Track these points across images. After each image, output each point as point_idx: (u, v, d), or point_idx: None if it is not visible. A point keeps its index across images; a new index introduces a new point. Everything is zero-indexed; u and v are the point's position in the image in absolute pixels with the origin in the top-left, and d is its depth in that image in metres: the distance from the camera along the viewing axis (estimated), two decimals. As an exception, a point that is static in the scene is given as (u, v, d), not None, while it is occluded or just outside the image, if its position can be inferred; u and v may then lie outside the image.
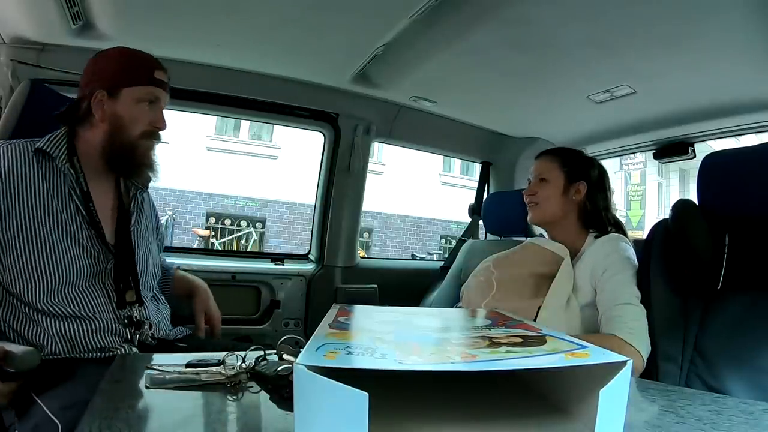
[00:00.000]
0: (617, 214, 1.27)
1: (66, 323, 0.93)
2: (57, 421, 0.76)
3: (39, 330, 0.91)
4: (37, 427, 0.77)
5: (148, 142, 1.02)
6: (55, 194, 0.94)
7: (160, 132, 1.04)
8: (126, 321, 0.99)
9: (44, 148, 0.95)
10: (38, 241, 0.91)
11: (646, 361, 1.00)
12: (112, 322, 0.97)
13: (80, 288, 0.95)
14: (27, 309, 0.92)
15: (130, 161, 1.01)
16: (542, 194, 1.22)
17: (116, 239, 1.01)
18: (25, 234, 0.91)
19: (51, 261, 0.92)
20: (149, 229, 1.15)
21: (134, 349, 0.98)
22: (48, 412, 0.78)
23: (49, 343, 0.91)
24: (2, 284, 0.92)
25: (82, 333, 0.93)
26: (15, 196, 0.91)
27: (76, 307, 0.94)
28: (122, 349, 0.97)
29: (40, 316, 0.92)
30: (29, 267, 0.91)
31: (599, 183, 1.23)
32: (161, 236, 1.27)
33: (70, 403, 0.77)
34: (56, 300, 0.93)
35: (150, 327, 1.03)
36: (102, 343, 0.95)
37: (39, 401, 0.81)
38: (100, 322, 0.95)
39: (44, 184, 0.93)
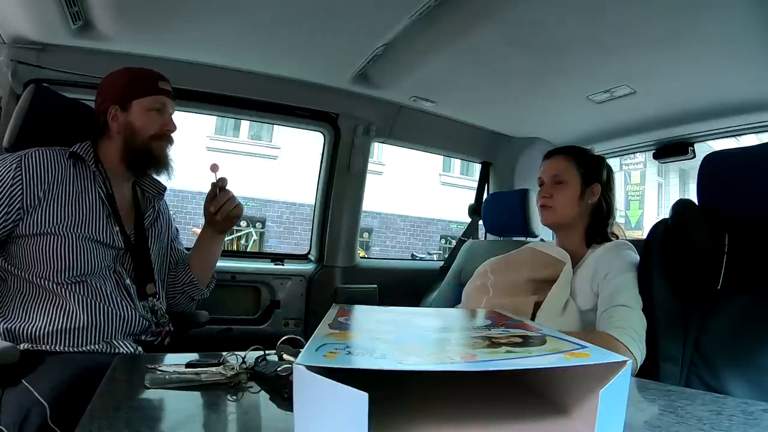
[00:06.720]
0: (617, 215, 1.26)
1: (89, 305, 0.99)
2: (45, 402, 0.78)
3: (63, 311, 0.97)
4: (26, 410, 0.78)
5: (161, 143, 1.13)
6: (86, 192, 1.05)
7: (170, 134, 1.14)
8: (148, 312, 1.09)
9: (77, 151, 1.06)
10: (66, 230, 0.99)
11: (639, 362, 0.97)
12: (132, 310, 1.05)
13: (101, 277, 1.02)
14: (49, 294, 0.97)
15: (146, 161, 1.12)
16: (559, 198, 1.18)
17: (135, 237, 1.12)
18: (55, 222, 0.98)
19: (76, 250, 0.99)
20: (164, 234, 1.23)
21: (139, 349, 1.04)
22: (35, 393, 0.80)
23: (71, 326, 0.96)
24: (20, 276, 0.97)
25: (106, 319, 0.99)
26: (49, 190, 1.00)
27: (98, 294, 1.00)
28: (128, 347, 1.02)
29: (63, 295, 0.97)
30: (53, 254, 0.97)
31: (608, 183, 1.21)
32: (178, 241, 1.32)
33: (57, 384, 0.81)
34: (79, 287, 0.98)
35: (168, 322, 1.13)
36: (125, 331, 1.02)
37: (26, 384, 0.83)
38: (121, 311, 1.03)
39: (77, 182, 1.05)
